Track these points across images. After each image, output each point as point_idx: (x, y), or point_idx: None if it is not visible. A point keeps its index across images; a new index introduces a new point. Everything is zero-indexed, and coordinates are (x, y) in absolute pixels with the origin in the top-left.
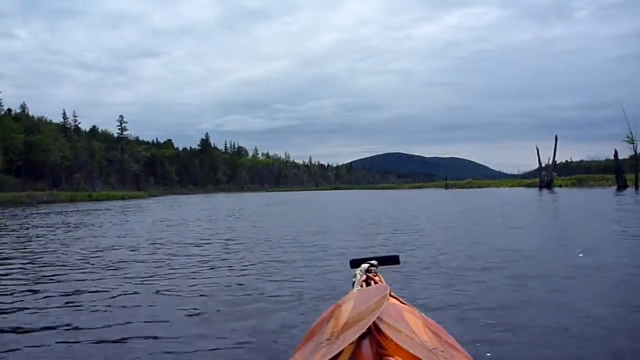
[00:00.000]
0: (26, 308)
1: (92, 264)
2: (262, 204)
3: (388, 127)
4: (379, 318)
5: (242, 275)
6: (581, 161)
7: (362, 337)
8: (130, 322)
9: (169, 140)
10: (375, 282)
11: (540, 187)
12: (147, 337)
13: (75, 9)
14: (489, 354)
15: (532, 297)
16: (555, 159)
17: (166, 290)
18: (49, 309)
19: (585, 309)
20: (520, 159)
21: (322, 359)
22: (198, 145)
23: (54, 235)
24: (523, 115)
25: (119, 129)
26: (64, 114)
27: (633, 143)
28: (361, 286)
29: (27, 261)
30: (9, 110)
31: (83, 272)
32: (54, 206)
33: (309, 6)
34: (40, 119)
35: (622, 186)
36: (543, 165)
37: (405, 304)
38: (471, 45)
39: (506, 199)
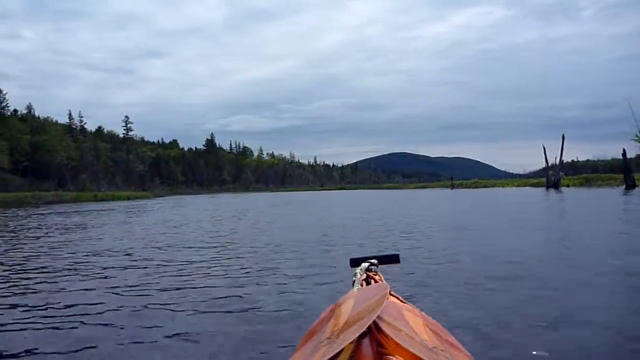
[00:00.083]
0: None
1: (76, 270)
2: (269, 204)
3: (393, 127)
4: (379, 317)
5: (239, 286)
6: (587, 160)
7: (362, 336)
8: (107, 341)
9: (175, 141)
10: (376, 281)
11: (548, 187)
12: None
13: (82, 10)
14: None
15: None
16: (562, 158)
17: (153, 303)
18: (5, 326)
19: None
20: (526, 158)
21: (322, 358)
22: (203, 145)
23: (48, 237)
24: (527, 115)
25: (124, 129)
26: (70, 114)
27: None
28: (361, 285)
29: (5, 268)
30: (15, 110)
31: (66, 281)
32: (58, 206)
33: (315, 6)
34: (46, 120)
35: (630, 186)
36: (550, 164)
37: (405, 302)
38: (476, 45)
39: (515, 199)
